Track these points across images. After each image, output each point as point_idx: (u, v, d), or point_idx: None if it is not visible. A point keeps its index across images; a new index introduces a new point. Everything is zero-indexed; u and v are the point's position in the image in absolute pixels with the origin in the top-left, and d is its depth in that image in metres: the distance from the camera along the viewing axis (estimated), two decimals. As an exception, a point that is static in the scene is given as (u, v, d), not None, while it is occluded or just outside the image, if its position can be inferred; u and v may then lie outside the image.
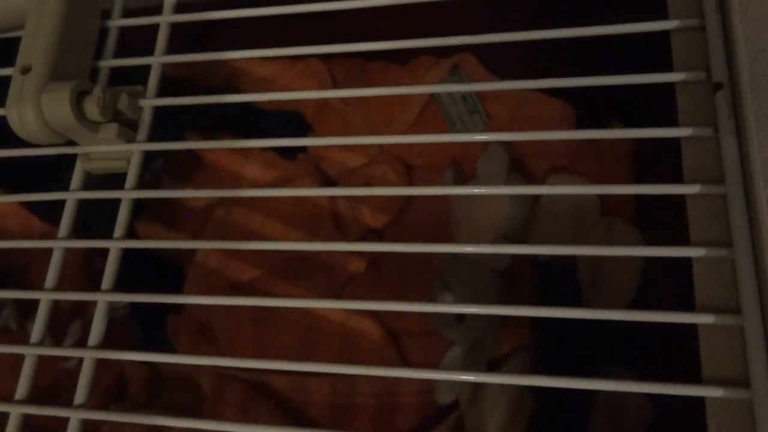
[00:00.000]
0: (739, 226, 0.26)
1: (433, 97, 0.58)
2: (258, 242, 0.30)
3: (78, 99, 0.32)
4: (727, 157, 0.28)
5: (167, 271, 0.62)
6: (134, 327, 0.63)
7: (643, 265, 0.49)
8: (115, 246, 0.32)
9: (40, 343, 0.32)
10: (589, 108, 0.54)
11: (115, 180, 0.34)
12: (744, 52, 0.28)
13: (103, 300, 0.31)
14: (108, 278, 0.31)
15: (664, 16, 0.32)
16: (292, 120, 0.61)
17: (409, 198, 0.60)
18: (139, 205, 0.61)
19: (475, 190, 0.31)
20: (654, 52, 0.33)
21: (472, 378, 0.29)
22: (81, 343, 0.31)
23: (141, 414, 0.30)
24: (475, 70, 0.58)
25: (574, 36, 0.32)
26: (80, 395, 0.29)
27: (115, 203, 0.34)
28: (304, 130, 0.61)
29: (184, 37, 0.38)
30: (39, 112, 0.31)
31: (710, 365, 0.26)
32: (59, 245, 0.33)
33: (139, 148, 0.33)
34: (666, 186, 0.28)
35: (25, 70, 0.32)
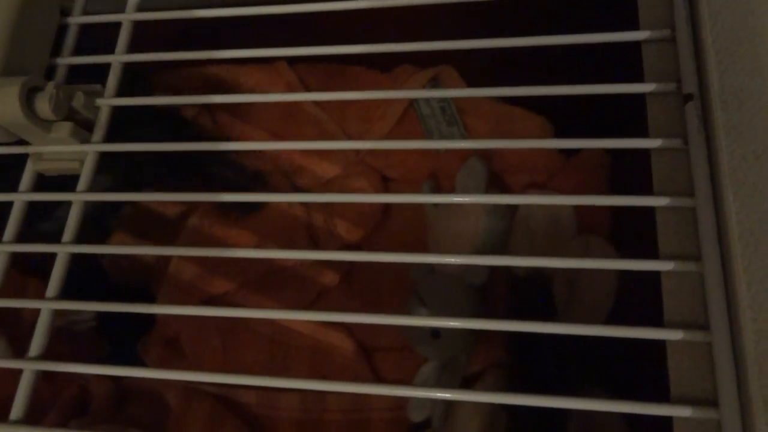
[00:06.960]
0: (708, 239, 0.25)
1: (411, 107, 0.57)
2: (221, 249, 0.29)
3: (29, 96, 0.30)
4: (696, 170, 0.27)
5: (135, 297, 0.61)
6: (100, 341, 0.61)
7: (619, 283, 0.48)
8: (63, 251, 0.30)
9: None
10: (567, 125, 0.54)
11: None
12: (714, 64, 0.28)
13: (47, 308, 0.29)
14: (54, 285, 0.30)
15: (635, 27, 0.32)
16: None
17: (385, 213, 0.59)
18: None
19: (451, 198, 0.31)
20: (628, 67, 0.33)
21: (445, 395, 0.27)
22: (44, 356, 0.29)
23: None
24: (454, 82, 0.58)
25: (545, 44, 0.32)
26: (17, 410, 0.28)
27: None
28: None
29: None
30: (-14, 109, 0.30)
31: (678, 383, 0.25)
32: (2, 249, 0.31)
33: (93, 149, 0.32)
34: (635, 198, 0.28)
35: (-26, 65, 0.30)
